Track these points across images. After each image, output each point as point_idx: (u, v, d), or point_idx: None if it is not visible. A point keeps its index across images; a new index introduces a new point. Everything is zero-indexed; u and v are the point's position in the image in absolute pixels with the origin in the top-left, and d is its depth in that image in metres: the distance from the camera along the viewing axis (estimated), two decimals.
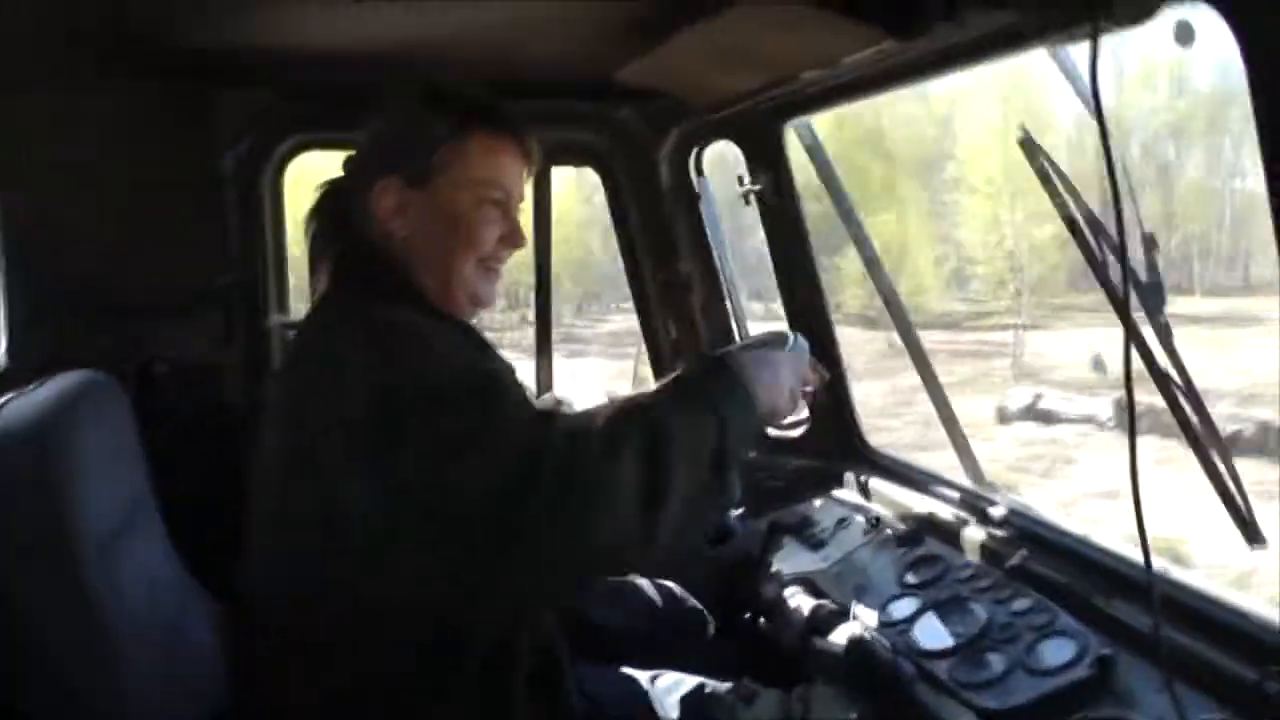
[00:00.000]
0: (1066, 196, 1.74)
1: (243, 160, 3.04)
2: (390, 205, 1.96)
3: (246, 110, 3.01)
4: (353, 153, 2.08)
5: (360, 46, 2.54)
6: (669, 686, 2.29)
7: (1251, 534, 1.77)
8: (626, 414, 1.67)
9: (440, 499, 1.59)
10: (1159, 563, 1.77)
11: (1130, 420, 1.48)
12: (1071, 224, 1.73)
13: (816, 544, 2.67)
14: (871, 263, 2.95)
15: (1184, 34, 1.40)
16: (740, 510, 2.88)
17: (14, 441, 1.89)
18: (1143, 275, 1.69)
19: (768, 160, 3.03)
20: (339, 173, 2.10)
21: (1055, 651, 1.93)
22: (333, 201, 2.07)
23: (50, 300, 2.74)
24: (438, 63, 2.66)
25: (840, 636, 2.19)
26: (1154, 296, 1.66)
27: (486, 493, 1.57)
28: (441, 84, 2.05)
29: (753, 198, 3.10)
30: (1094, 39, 1.41)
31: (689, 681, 2.30)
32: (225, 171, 3.01)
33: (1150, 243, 1.66)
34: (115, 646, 1.94)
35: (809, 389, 1.97)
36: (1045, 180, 1.79)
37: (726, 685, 2.27)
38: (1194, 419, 1.73)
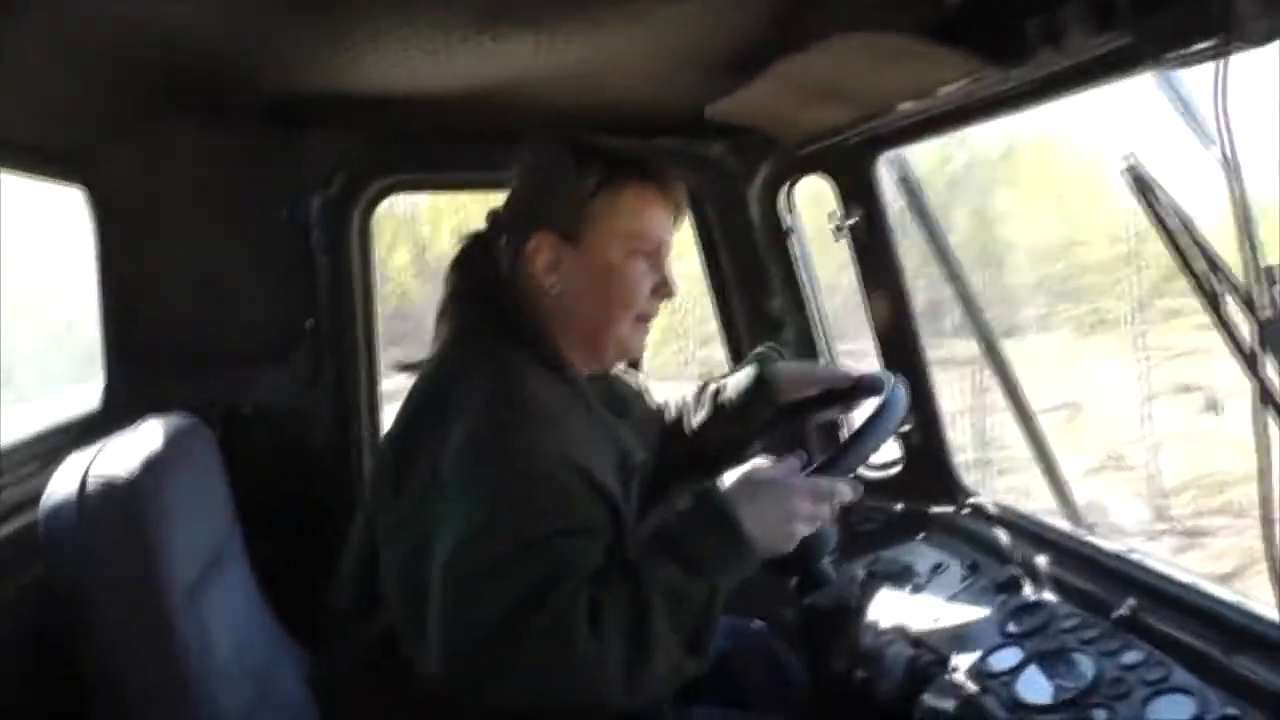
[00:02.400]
0: (1184, 232, 1.63)
1: (330, 204, 3.05)
2: (546, 261, 1.96)
3: (333, 154, 3.03)
4: (498, 207, 2.09)
5: (446, 88, 2.55)
6: None
7: None
8: (619, 577, 1.67)
9: (458, 600, 1.64)
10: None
11: (1261, 473, 1.40)
12: (1185, 263, 1.63)
13: (913, 590, 2.58)
14: (968, 302, 2.87)
15: None
16: (835, 556, 2.81)
17: (108, 487, 1.92)
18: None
19: (860, 195, 2.98)
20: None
21: (1172, 709, 1.82)
22: (477, 253, 2.08)
23: (143, 345, 2.78)
24: (526, 103, 2.68)
25: (949, 695, 2.10)
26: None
27: (487, 624, 1.60)
28: (586, 136, 2.07)
29: (845, 233, 3.04)
30: (1222, 60, 1.33)
31: None
32: (313, 215, 3.03)
33: (1272, 278, 1.55)
34: (204, 693, 1.96)
35: (831, 507, 1.87)
36: (1155, 214, 1.69)
37: None
38: None
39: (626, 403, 2.26)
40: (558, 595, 1.59)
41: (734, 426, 2.37)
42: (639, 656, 1.62)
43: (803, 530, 1.80)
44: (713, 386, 2.44)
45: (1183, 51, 1.40)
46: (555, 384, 1.92)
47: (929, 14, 1.92)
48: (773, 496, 1.78)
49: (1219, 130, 1.39)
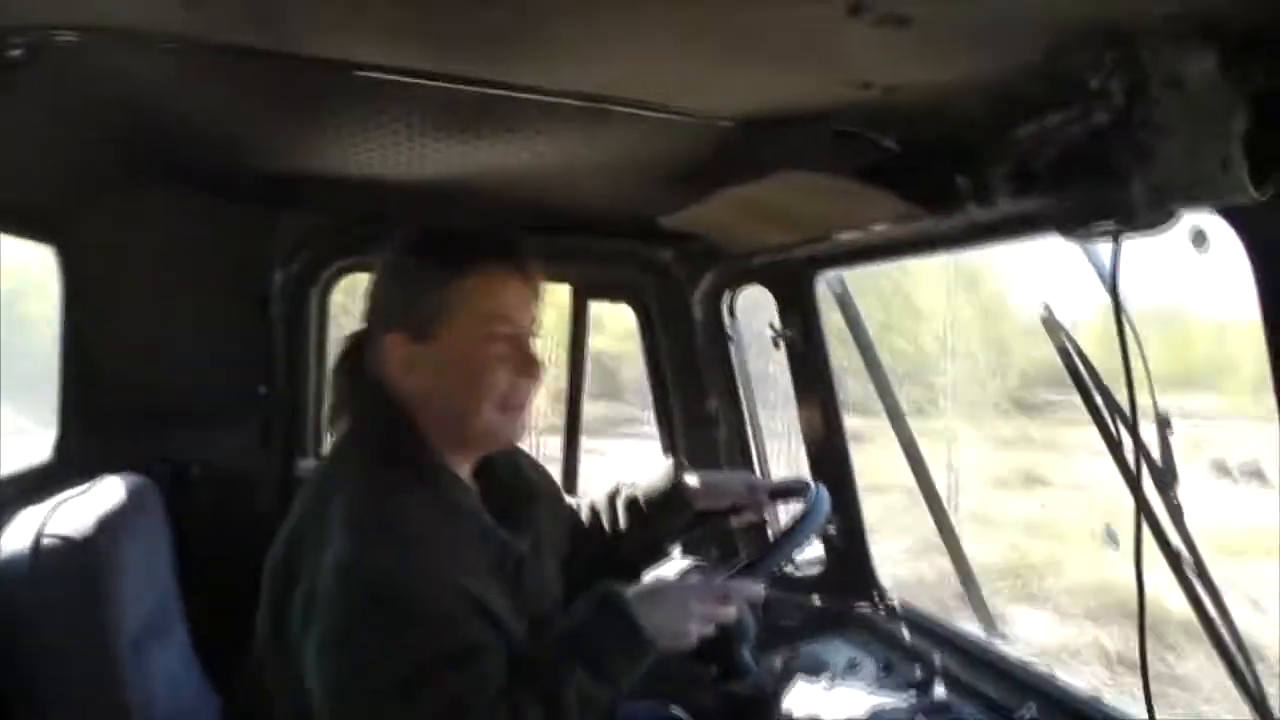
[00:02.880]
0: (1086, 376, 1.80)
1: (292, 279, 3.14)
2: (398, 361, 1.94)
3: (299, 232, 3.11)
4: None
5: (413, 179, 2.61)
6: None
7: (1262, 711, 1.80)
8: (528, 678, 1.74)
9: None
10: None
11: (1140, 596, 1.54)
12: (1090, 403, 1.79)
13: (829, 684, 2.66)
14: (895, 416, 3.00)
15: (1199, 240, 1.49)
16: (752, 646, 2.89)
17: (63, 546, 1.97)
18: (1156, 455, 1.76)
19: (798, 309, 3.09)
20: None
21: None
22: (355, 354, 2.06)
23: (99, 401, 2.80)
24: (489, 198, 2.75)
25: None
26: (1167, 476, 1.72)
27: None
28: (427, 229, 2.06)
29: (781, 342, 3.17)
30: (1115, 240, 1.51)
31: None
32: (274, 288, 3.10)
33: (1164, 425, 1.72)
34: None
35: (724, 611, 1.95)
36: (1066, 358, 1.86)
37: None
38: (1204, 597, 1.77)
39: (532, 485, 2.25)
40: (476, 713, 1.67)
41: (652, 531, 2.43)
42: None
43: (698, 629, 1.89)
44: (626, 492, 2.47)
45: (1087, 228, 1.57)
46: (428, 495, 1.89)
47: (866, 157, 2.05)
48: (671, 600, 1.90)
49: (1112, 297, 1.56)
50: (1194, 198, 1.40)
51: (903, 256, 2.60)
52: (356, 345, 2.06)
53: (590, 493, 2.59)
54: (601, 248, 3.21)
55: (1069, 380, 1.88)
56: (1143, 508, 1.67)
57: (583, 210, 2.93)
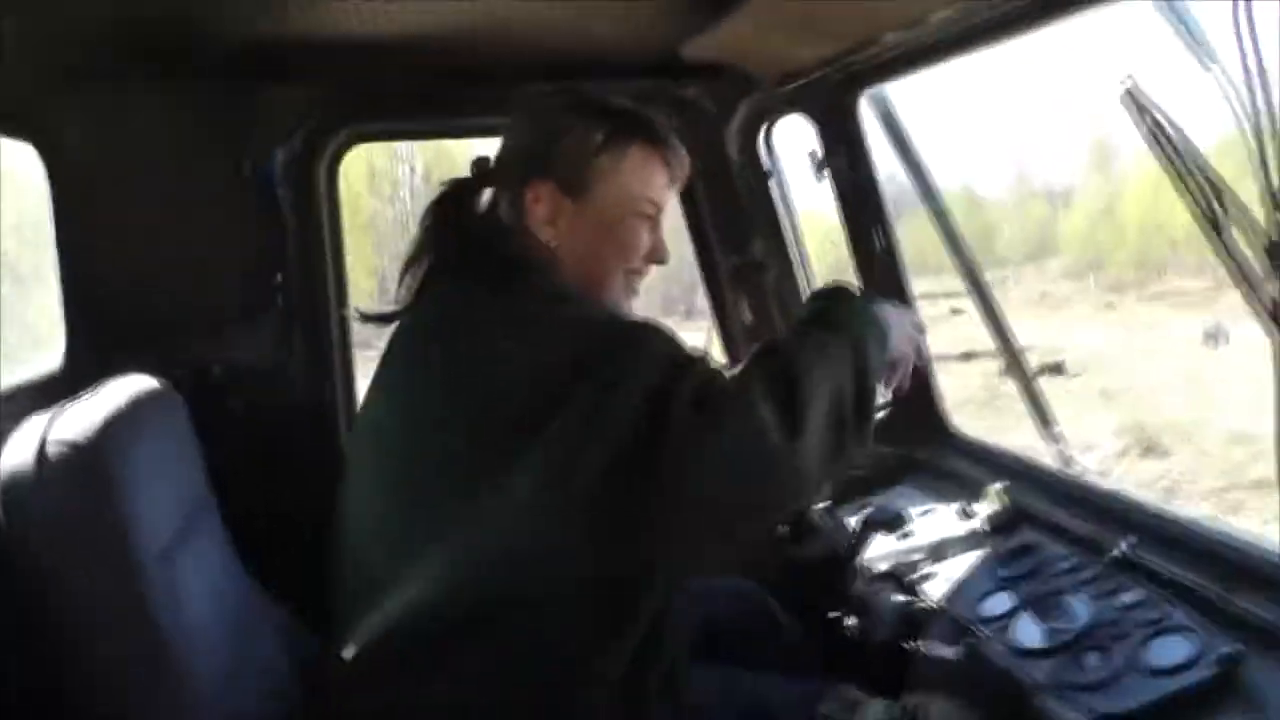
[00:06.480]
0: (1185, 160, 1.56)
1: (295, 156, 2.95)
2: (543, 211, 1.92)
3: (296, 105, 2.93)
4: (484, 155, 2.05)
5: (409, 33, 2.48)
6: (770, 686, 2.21)
7: None
8: (760, 353, 1.71)
9: (589, 459, 1.56)
10: None
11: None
12: (1189, 190, 1.56)
13: (904, 536, 2.55)
14: (951, 237, 2.83)
15: None
16: (823, 503, 2.75)
17: (70, 450, 1.83)
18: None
19: (842, 133, 2.93)
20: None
21: (1170, 650, 1.77)
22: (457, 196, 2.04)
23: (105, 307, 2.68)
24: (492, 47, 2.62)
25: (945, 644, 2.07)
26: None
27: (621, 440, 1.55)
28: (592, 93, 2.03)
29: (825, 174, 3.00)
30: None
31: (787, 683, 2.22)
32: (278, 168, 2.93)
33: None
34: (177, 658, 1.88)
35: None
36: (1156, 140, 1.62)
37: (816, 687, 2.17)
38: None
39: None
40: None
41: None
42: (793, 411, 1.59)
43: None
44: None
45: None
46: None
47: None
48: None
49: (1240, 39, 1.30)
50: None
51: (956, 54, 2.37)
52: (457, 191, 2.06)
53: None
54: (621, 91, 3.00)
55: None
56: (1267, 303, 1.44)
57: (595, 49, 2.76)
